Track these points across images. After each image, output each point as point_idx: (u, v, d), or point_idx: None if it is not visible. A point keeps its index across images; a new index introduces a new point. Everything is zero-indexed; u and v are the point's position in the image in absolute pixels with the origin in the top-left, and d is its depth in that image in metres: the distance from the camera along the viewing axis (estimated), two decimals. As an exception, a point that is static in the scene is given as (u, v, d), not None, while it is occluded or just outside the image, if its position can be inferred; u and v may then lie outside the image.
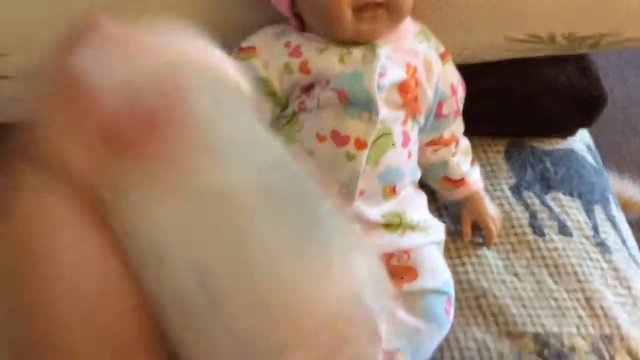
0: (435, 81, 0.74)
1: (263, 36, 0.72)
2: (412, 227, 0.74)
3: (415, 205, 0.76)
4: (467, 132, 0.89)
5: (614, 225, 0.89)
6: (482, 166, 0.91)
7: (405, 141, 0.72)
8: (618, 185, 1.44)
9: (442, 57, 0.75)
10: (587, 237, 0.85)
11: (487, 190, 0.88)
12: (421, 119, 0.74)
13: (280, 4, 0.70)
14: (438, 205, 0.86)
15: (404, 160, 0.72)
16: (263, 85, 0.70)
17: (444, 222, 0.84)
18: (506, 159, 0.93)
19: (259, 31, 0.73)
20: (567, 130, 0.94)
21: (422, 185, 0.82)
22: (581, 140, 0.98)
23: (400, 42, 0.70)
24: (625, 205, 1.44)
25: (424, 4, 0.75)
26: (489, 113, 0.90)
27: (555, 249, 0.83)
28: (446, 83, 0.75)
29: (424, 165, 0.81)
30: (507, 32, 0.77)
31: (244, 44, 0.72)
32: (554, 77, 0.89)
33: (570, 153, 0.95)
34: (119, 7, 0.72)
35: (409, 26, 0.72)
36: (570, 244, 0.84)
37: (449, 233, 0.82)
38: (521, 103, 0.90)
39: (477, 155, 0.92)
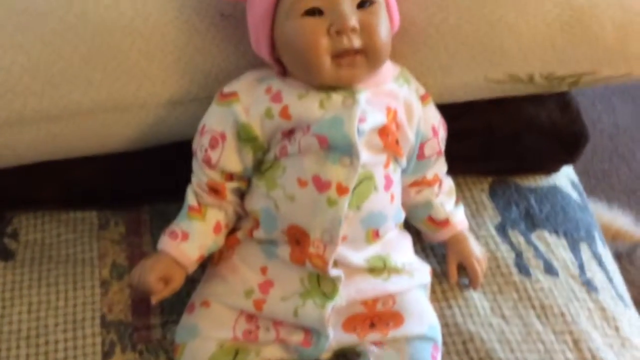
0: (416, 123, 0.74)
1: (245, 82, 0.72)
2: (397, 271, 0.74)
3: (399, 248, 0.76)
4: (450, 171, 0.89)
5: (600, 263, 0.89)
6: (467, 205, 0.91)
7: (388, 184, 0.71)
8: (607, 215, 1.44)
9: (423, 99, 0.76)
10: (573, 277, 0.85)
11: (472, 230, 0.87)
12: (403, 161, 0.74)
13: (261, 50, 0.71)
14: (423, 246, 0.86)
15: (387, 204, 0.72)
16: (244, 130, 0.70)
17: (430, 263, 0.83)
18: (490, 197, 0.93)
19: (241, 76, 0.73)
20: (551, 167, 0.95)
21: (407, 225, 0.82)
22: (565, 176, 0.98)
23: (380, 86, 0.70)
24: (615, 236, 1.45)
25: (403, 47, 0.76)
26: (471, 152, 0.90)
27: (542, 289, 0.83)
28: (427, 125, 0.76)
29: (407, 206, 0.81)
30: (486, 73, 0.78)
31: (226, 90, 0.72)
32: (535, 115, 0.89)
33: (555, 190, 0.95)
34: (101, 55, 0.72)
35: (388, 69, 0.72)
36: (556, 284, 0.83)
37: (435, 274, 0.82)
38: (503, 142, 0.90)
39: (461, 193, 0.92)
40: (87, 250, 0.85)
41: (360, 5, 0.66)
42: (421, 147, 0.76)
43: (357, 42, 0.65)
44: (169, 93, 0.76)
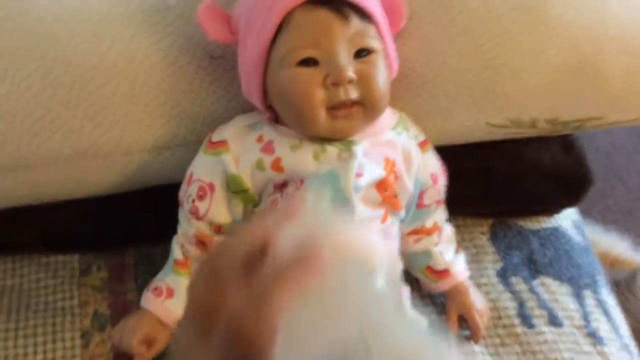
0: (415, 172, 0.70)
1: (234, 128, 0.68)
2: (393, 328, 0.70)
3: (397, 303, 0.72)
4: (449, 212, 0.86)
5: (605, 311, 0.85)
6: (467, 249, 0.87)
7: (386, 238, 0.68)
8: (605, 241, 1.40)
9: (422, 145, 0.72)
10: (578, 327, 0.81)
11: (472, 277, 0.84)
12: (401, 213, 0.70)
13: (253, 97, 0.67)
14: (422, 294, 0.82)
15: (384, 258, 0.68)
16: (234, 182, 0.66)
17: (429, 313, 0.80)
18: (491, 240, 0.89)
19: (231, 122, 0.70)
20: (553, 210, 0.91)
21: (406, 273, 0.78)
22: (568, 217, 0.94)
23: (378, 136, 0.67)
24: (613, 264, 1.41)
25: (402, 92, 0.72)
26: (471, 194, 0.86)
27: (546, 341, 0.79)
28: (426, 173, 0.72)
29: (406, 255, 0.77)
30: (488, 118, 0.74)
31: (215, 137, 0.68)
32: (537, 157, 0.86)
33: (558, 232, 0.92)
34: (81, 100, 0.68)
35: (387, 118, 0.69)
36: (561, 336, 0.80)
37: (434, 326, 0.78)
38: (504, 184, 0.86)
39: (461, 236, 0.88)
40: (68, 298, 0.81)
41: (358, 55, 0.62)
42: (420, 195, 0.72)
43: (354, 94, 0.61)
44: (154, 138, 0.72)
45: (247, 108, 0.71)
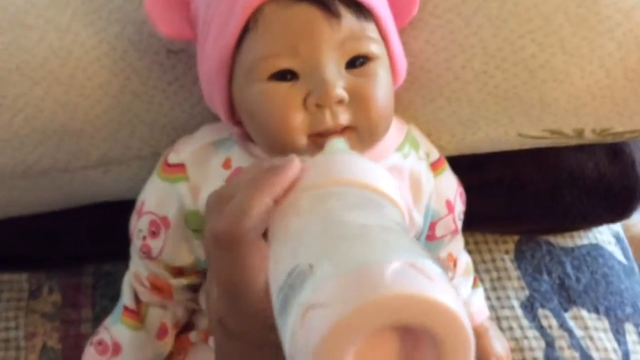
0: (425, 201, 0.56)
1: (196, 148, 0.54)
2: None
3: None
4: (467, 229, 0.72)
5: (650, 349, 0.72)
6: (487, 272, 0.74)
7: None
8: None
9: (435, 167, 0.58)
10: (616, 373, 0.69)
11: (492, 308, 0.71)
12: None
13: (217, 111, 0.53)
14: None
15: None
16: (193, 218, 0.53)
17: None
18: (516, 261, 0.76)
19: (194, 136, 0.56)
20: (593, 226, 0.77)
21: None
22: (607, 230, 0.81)
23: (378, 162, 0.52)
24: None
25: (412, 96, 0.57)
26: (495, 210, 0.72)
27: (577, 392, 0.67)
28: (440, 200, 0.58)
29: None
30: (520, 129, 0.59)
31: (172, 158, 0.54)
32: (578, 166, 0.71)
33: (596, 250, 0.78)
34: (9, 107, 0.54)
35: (391, 137, 0.54)
36: (595, 385, 0.67)
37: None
38: (537, 198, 0.72)
39: (481, 257, 0.75)
40: (12, 328, 0.69)
41: (351, 65, 0.47)
42: (432, 226, 0.58)
43: (344, 118, 0.46)
44: (99, 152, 0.58)
45: (215, 114, 0.57)
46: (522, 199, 0.72)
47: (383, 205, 0.34)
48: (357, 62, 0.47)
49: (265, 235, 0.35)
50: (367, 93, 0.46)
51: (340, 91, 0.44)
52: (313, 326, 0.27)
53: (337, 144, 0.44)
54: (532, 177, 0.71)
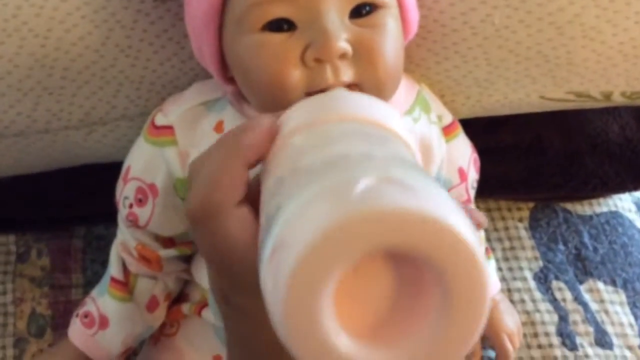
0: (436, 168, 0.52)
1: (186, 109, 0.49)
2: None
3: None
4: (480, 196, 0.68)
5: (668, 324, 0.69)
6: (499, 241, 0.70)
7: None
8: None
9: (448, 131, 0.53)
10: (631, 348, 0.66)
11: (504, 279, 0.67)
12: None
13: (207, 66, 0.47)
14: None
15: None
16: (182, 187, 0.49)
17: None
18: (531, 230, 0.72)
19: (184, 95, 0.51)
20: (614, 193, 0.72)
21: None
22: (629, 197, 0.76)
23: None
24: None
25: (424, 52, 0.52)
26: (510, 175, 0.68)
27: (590, 368, 0.64)
28: (452, 168, 0.53)
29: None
30: (543, 91, 0.54)
31: (159, 119, 0.50)
32: (603, 129, 0.66)
33: (615, 218, 0.74)
34: (31, 65, 0.50)
35: (399, 97, 0.49)
36: (609, 361, 0.64)
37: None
38: (556, 163, 0.67)
39: (493, 224, 0.71)
40: (0, 293, 0.66)
41: (356, 14, 0.41)
42: None
43: (348, 75, 0.41)
44: (81, 111, 0.54)
45: (207, 71, 0.52)
46: (540, 163, 0.67)
47: (384, 139, 0.29)
48: (362, 10, 0.41)
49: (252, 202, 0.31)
50: (374, 46, 0.40)
51: (343, 44, 0.39)
52: (278, 271, 0.23)
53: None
54: (551, 141, 0.66)
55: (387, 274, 0.24)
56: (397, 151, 0.28)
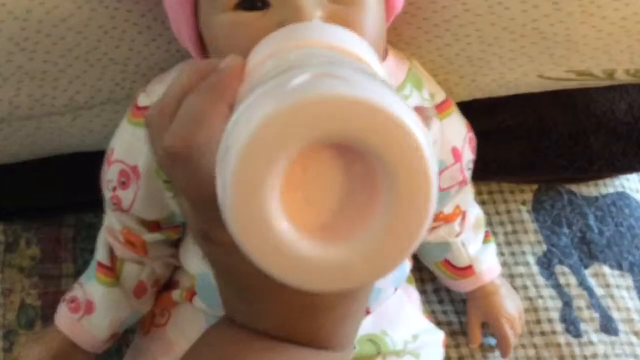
0: None
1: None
2: (396, 353, 0.56)
3: (400, 319, 0.58)
4: (482, 179, 0.68)
5: (676, 307, 0.69)
6: (501, 225, 0.71)
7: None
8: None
9: (441, 108, 0.54)
10: (637, 334, 0.67)
11: (505, 264, 0.68)
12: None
13: (186, 46, 0.48)
14: (437, 287, 0.67)
15: (380, 273, 0.52)
16: (161, 170, 0.49)
17: (445, 313, 0.65)
18: (534, 213, 0.72)
19: (167, 75, 0.52)
20: (620, 174, 0.72)
21: (417, 262, 0.63)
22: (636, 176, 0.76)
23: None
24: None
25: (415, 31, 0.52)
26: (512, 158, 0.68)
27: (595, 355, 0.65)
28: (446, 147, 0.54)
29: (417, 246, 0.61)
30: (541, 70, 0.54)
31: (142, 100, 0.51)
32: (608, 107, 0.66)
33: (621, 199, 0.74)
34: (11, 49, 0.50)
35: (389, 74, 0.49)
36: (615, 348, 0.65)
37: (451, 333, 0.64)
38: (561, 144, 0.67)
39: (495, 208, 0.72)
40: (-11, 284, 0.68)
41: None
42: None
43: None
44: (66, 95, 0.54)
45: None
46: (544, 145, 0.68)
47: (352, 64, 0.30)
48: None
49: None
50: (352, 23, 0.40)
51: (318, 20, 0.39)
52: (224, 174, 0.24)
53: None
54: (555, 120, 0.66)
55: (336, 170, 0.25)
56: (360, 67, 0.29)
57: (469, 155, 0.56)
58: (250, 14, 0.41)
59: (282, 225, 0.24)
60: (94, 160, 0.58)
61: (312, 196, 0.25)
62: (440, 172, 0.54)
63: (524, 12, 0.49)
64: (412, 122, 0.23)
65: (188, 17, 0.44)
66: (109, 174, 0.52)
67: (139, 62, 0.55)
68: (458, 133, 0.55)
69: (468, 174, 0.57)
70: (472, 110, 0.59)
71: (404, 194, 0.24)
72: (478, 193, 0.71)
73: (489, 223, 0.70)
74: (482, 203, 0.71)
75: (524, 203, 0.72)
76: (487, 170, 0.67)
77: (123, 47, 0.54)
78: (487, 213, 0.70)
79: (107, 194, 0.52)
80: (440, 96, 0.54)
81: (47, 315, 0.65)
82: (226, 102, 0.31)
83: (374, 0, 0.42)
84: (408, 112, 0.24)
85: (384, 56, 0.50)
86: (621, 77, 0.56)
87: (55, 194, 0.69)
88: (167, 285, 0.58)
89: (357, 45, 0.31)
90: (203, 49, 0.47)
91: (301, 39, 0.31)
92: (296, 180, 0.25)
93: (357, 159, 0.25)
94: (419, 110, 0.30)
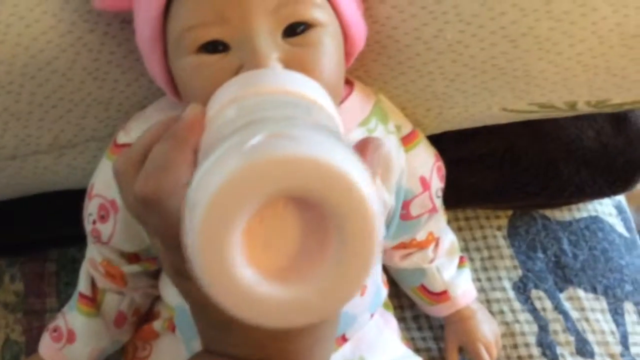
0: (396, 180, 0.56)
1: (146, 126, 0.53)
2: (373, 380, 0.58)
3: (378, 345, 0.60)
4: (456, 206, 0.72)
5: (650, 329, 0.73)
6: (477, 251, 0.74)
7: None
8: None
9: (407, 141, 0.57)
10: (612, 356, 0.70)
11: (482, 290, 0.71)
12: (380, 234, 0.56)
13: (159, 83, 0.52)
14: (416, 315, 0.70)
15: (356, 300, 0.54)
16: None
17: (424, 339, 0.68)
18: (509, 238, 0.75)
19: (145, 111, 0.55)
20: (593, 199, 0.76)
21: (395, 287, 0.66)
22: (609, 200, 0.80)
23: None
24: None
25: (380, 67, 0.56)
26: (485, 185, 0.72)
27: (571, 379, 0.67)
28: (414, 177, 0.57)
29: (393, 271, 0.65)
30: (504, 103, 0.58)
31: (121, 137, 0.54)
32: (577, 135, 0.70)
33: (595, 223, 0.78)
34: None
35: (353, 109, 0.53)
36: (591, 370, 0.68)
37: (429, 358, 0.66)
38: (532, 171, 0.71)
39: (471, 234, 0.75)
40: (-26, 320, 0.70)
41: (290, 32, 0.44)
42: (405, 205, 0.58)
43: None
44: (50, 135, 0.58)
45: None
46: (515, 172, 0.71)
47: (306, 108, 0.33)
48: (297, 29, 0.44)
49: None
50: (308, 64, 0.44)
51: (273, 63, 0.42)
52: (191, 229, 0.28)
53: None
54: (526, 149, 0.70)
55: (292, 218, 0.29)
56: (317, 119, 0.33)
57: (437, 184, 0.59)
58: (212, 56, 0.44)
59: (244, 271, 0.28)
60: (77, 195, 0.61)
61: (271, 242, 0.29)
62: (410, 200, 0.58)
63: (483, 49, 0.53)
64: (356, 175, 0.27)
65: (159, 59, 0.48)
66: (90, 208, 0.55)
67: (122, 101, 0.58)
68: (426, 163, 0.58)
69: (438, 202, 0.60)
70: (445, 139, 0.63)
71: (351, 239, 0.28)
72: (455, 219, 0.75)
73: (466, 249, 0.73)
74: (458, 229, 0.74)
75: (499, 228, 0.76)
76: (461, 197, 0.71)
77: (106, 87, 0.57)
78: (463, 239, 0.73)
79: (88, 227, 0.55)
80: (407, 128, 0.57)
81: (31, 350, 0.67)
82: (190, 148, 0.35)
83: (330, 42, 0.46)
84: (353, 164, 0.27)
85: (348, 92, 0.54)
86: (583, 108, 0.60)
87: (39, 229, 0.72)
88: (148, 315, 0.61)
89: (310, 91, 0.35)
90: (175, 88, 0.50)
91: (258, 86, 0.35)
92: (256, 229, 0.28)
93: (310, 208, 0.28)
94: (366, 141, 0.34)
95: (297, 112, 0.33)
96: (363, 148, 0.35)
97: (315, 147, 0.27)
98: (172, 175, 0.34)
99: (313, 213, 0.28)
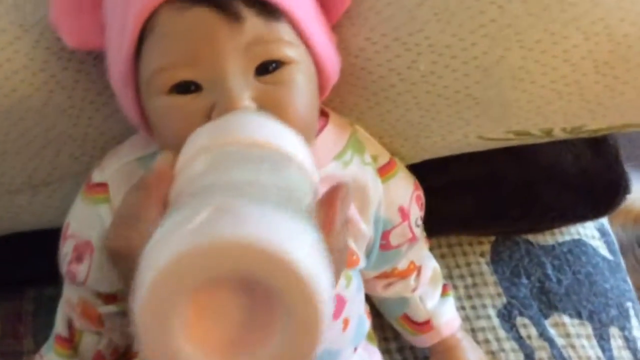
0: (373, 211, 0.57)
1: (122, 165, 0.54)
2: (357, 414, 0.59)
3: (361, 378, 0.61)
4: (439, 233, 0.73)
5: (635, 352, 0.74)
6: (461, 278, 0.76)
7: (338, 309, 0.55)
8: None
9: (384, 171, 0.58)
10: (599, 383, 0.70)
11: (467, 318, 0.72)
12: (360, 265, 0.58)
13: (132, 122, 0.52)
14: (401, 346, 0.71)
15: (338, 335, 0.56)
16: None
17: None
18: (492, 265, 0.77)
19: (120, 149, 0.56)
20: (574, 223, 0.78)
21: (378, 317, 0.67)
22: (592, 223, 0.81)
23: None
24: (638, 219, 1.26)
25: (356, 98, 0.57)
26: (466, 211, 0.73)
27: (558, 407, 0.68)
28: (392, 208, 0.58)
29: (377, 301, 0.66)
30: (480, 132, 0.60)
31: (95, 176, 0.55)
32: (557, 160, 0.72)
33: (578, 246, 0.79)
34: None
35: (327, 144, 0.54)
36: (577, 399, 0.69)
37: (414, 390, 0.67)
38: (512, 197, 0.73)
39: (455, 261, 0.76)
40: (-53, 366, 0.70)
41: (262, 71, 0.46)
42: (385, 236, 0.59)
43: None
44: (24, 174, 0.59)
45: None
46: (496, 198, 0.73)
47: (274, 164, 0.35)
48: (269, 67, 0.45)
49: None
50: (281, 102, 0.45)
51: (246, 102, 0.43)
52: (136, 304, 0.29)
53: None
54: (506, 173, 0.72)
55: (240, 294, 0.30)
56: (282, 175, 0.34)
57: (417, 213, 0.61)
58: (184, 97, 0.45)
59: (184, 346, 0.29)
60: (54, 233, 0.62)
61: (219, 317, 0.30)
62: (389, 231, 0.59)
63: (456, 80, 0.55)
64: (302, 256, 0.28)
65: (132, 98, 0.49)
66: (65, 248, 0.55)
67: (96, 137, 0.59)
68: (404, 192, 0.60)
69: (417, 231, 0.61)
70: (425, 166, 0.64)
71: (297, 318, 0.29)
72: (437, 246, 0.76)
73: (450, 276, 0.74)
74: (441, 256, 0.75)
75: (482, 255, 0.77)
76: (443, 225, 0.72)
77: (81, 124, 0.58)
78: (447, 266, 0.75)
79: (64, 267, 0.56)
80: (384, 158, 0.59)
81: (7, 396, 0.68)
82: (158, 198, 0.36)
83: (303, 79, 0.47)
84: (301, 242, 0.28)
85: (323, 124, 0.55)
86: (559, 135, 0.61)
87: (16, 268, 0.72)
88: (127, 355, 0.61)
89: (279, 141, 0.36)
90: (149, 125, 0.51)
91: (227, 137, 0.36)
92: (203, 306, 0.30)
93: (258, 286, 0.29)
94: (332, 192, 0.35)
95: (262, 169, 0.34)
96: (330, 199, 0.36)
97: (260, 227, 0.28)
98: (142, 224, 0.35)
99: (260, 290, 0.29)
